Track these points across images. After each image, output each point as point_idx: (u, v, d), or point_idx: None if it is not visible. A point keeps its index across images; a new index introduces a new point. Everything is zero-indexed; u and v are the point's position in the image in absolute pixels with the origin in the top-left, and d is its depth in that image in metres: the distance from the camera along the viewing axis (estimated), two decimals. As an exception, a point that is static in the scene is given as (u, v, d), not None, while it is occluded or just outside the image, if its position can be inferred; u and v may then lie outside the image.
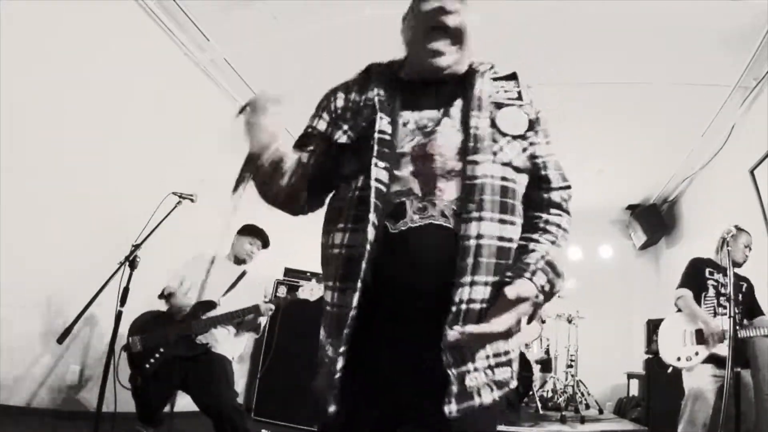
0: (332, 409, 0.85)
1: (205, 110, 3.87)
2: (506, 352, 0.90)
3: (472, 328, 0.81)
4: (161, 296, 2.76)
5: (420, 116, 0.94)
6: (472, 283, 0.83)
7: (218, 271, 2.94)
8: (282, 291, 4.39)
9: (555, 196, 0.99)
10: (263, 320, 2.90)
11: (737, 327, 2.42)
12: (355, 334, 0.85)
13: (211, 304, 2.75)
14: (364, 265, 0.84)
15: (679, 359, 2.68)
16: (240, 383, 4.51)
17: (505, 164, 0.91)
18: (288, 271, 4.42)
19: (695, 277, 2.84)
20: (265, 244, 3.10)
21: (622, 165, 5.00)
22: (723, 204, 4.00)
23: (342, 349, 0.84)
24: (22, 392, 2.49)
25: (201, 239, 3.15)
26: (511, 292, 0.82)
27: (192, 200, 2.70)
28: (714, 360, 2.56)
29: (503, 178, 0.90)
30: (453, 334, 0.81)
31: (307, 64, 3.55)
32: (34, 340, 2.55)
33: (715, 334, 2.55)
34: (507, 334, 0.85)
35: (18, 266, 2.42)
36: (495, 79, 1.03)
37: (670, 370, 2.76)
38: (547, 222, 0.97)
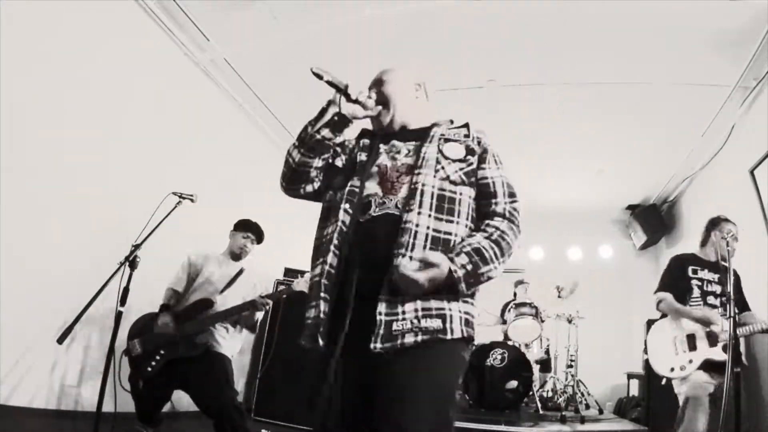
0: (322, 343, 1.16)
1: (205, 110, 3.87)
2: (439, 308, 1.16)
3: (401, 270, 1.11)
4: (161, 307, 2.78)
5: (390, 147, 1.36)
6: (402, 255, 1.15)
7: (216, 268, 2.95)
8: (283, 296, 4.40)
9: (499, 207, 1.29)
10: (260, 316, 2.91)
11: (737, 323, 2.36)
12: (330, 293, 1.19)
13: (208, 303, 2.75)
14: (335, 241, 1.22)
15: (672, 370, 2.55)
16: (240, 383, 4.50)
17: (443, 179, 1.27)
18: (288, 271, 4.42)
19: (677, 278, 2.72)
20: (260, 238, 3.10)
21: (622, 165, 5.00)
22: (723, 204, 3.99)
23: (323, 295, 1.19)
24: (22, 392, 2.49)
25: (201, 239, 3.15)
26: (418, 254, 1.14)
27: (192, 200, 2.70)
28: (707, 365, 2.46)
29: (440, 189, 1.25)
30: (395, 268, 1.12)
31: (307, 64, 3.54)
32: (34, 340, 2.55)
33: (707, 321, 2.48)
34: (418, 287, 1.11)
35: (18, 266, 2.42)
36: (451, 129, 1.42)
37: (663, 381, 2.65)
38: (487, 225, 1.26)
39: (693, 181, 4.83)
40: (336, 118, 1.33)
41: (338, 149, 1.42)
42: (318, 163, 1.36)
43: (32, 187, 2.52)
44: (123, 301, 2.26)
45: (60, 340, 2.01)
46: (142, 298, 2.78)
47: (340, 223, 1.24)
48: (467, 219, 1.27)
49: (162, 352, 2.62)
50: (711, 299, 2.63)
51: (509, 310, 4.73)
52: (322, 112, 1.35)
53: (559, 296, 4.97)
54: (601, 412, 4.82)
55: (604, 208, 6.09)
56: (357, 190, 1.28)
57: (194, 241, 3.13)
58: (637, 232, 5.78)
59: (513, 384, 4.10)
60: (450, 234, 1.22)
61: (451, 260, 1.15)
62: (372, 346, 1.10)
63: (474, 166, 1.32)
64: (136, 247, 2.31)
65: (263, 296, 2.80)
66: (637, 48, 3.29)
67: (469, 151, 1.33)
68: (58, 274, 2.65)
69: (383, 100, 1.41)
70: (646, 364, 4.30)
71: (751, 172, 3.45)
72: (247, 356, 4.60)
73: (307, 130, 1.35)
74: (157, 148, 3.31)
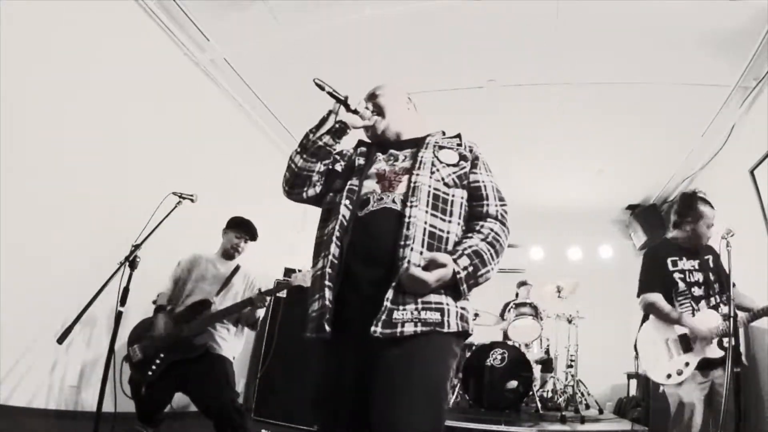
0: (329, 329, 1.20)
1: (205, 110, 3.87)
2: (438, 302, 1.22)
3: (411, 270, 1.18)
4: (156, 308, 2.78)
5: (388, 156, 1.46)
6: (409, 247, 1.22)
7: (210, 268, 2.94)
8: (282, 291, 4.40)
9: (491, 209, 1.39)
10: (261, 313, 2.90)
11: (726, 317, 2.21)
12: (334, 282, 1.24)
13: (205, 304, 2.75)
14: (337, 234, 1.29)
15: (669, 376, 2.35)
16: (240, 383, 4.51)
17: (438, 180, 1.37)
18: (288, 271, 4.41)
19: (658, 274, 2.51)
20: (252, 236, 3.07)
21: (622, 165, 5.00)
22: (723, 204, 4.00)
23: (328, 284, 1.23)
24: (22, 392, 2.49)
25: (201, 239, 3.15)
26: (427, 254, 1.22)
27: (192, 200, 2.70)
28: (702, 364, 2.31)
29: (435, 189, 1.35)
30: (405, 268, 1.19)
31: (307, 64, 3.55)
32: (34, 340, 2.55)
33: (699, 334, 2.31)
34: (425, 286, 1.19)
35: (18, 266, 2.42)
36: (445, 138, 1.54)
37: (661, 390, 2.49)
38: (482, 226, 1.35)
39: (693, 181, 4.83)
40: (337, 125, 1.45)
41: (337, 156, 1.52)
42: (320, 167, 1.45)
43: (32, 187, 2.52)
44: (123, 301, 2.27)
45: (60, 340, 2.01)
46: (142, 298, 2.79)
47: (340, 218, 1.31)
48: (460, 218, 1.36)
49: (162, 355, 2.61)
50: (696, 290, 2.44)
51: (509, 310, 4.73)
52: (323, 120, 1.48)
53: (559, 296, 4.97)
54: (601, 412, 4.82)
55: (604, 208, 6.08)
56: (356, 188, 1.37)
57: (194, 241, 3.12)
58: (637, 232, 5.77)
59: (513, 384, 4.10)
60: (444, 231, 1.30)
61: (454, 261, 1.22)
62: (372, 329, 1.15)
63: (466, 170, 1.42)
64: (136, 247, 2.31)
65: (262, 292, 2.79)
66: (637, 48, 3.29)
67: (462, 157, 1.44)
68: (58, 274, 2.65)
69: (378, 111, 1.53)
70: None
71: (751, 172, 3.45)
72: (247, 356, 4.60)
73: (308, 137, 1.45)
74: (157, 148, 3.31)
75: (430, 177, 1.35)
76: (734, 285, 2.35)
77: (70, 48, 2.69)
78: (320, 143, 1.44)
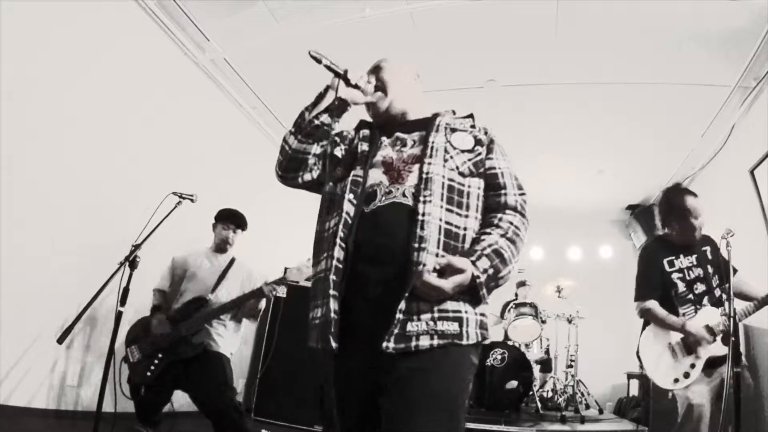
0: (335, 345, 1.09)
1: (205, 110, 3.87)
2: (455, 311, 1.11)
3: (426, 278, 1.06)
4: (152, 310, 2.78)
5: (394, 140, 1.30)
6: (424, 250, 1.09)
7: (204, 263, 2.92)
8: (282, 290, 4.39)
9: (510, 200, 1.25)
10: (263, 304, 2.89)
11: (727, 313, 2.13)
12: (339, 290, 1.12)
13: (201, 301, 2.74)
14: (341, 234, 1.15)
15: (677, 381, 2.29)
16: (240, 383, 4.50)
17: (452, 169, 1.22)
18: (288, 271, 4.41)
19: (653, 278, 2.44)
20: (241, 226, 3.03)
21: (622, 165, 5.00)
22: (723, 204, 4.00)
23: (332, 293, 1.11)
24: (22, 392, 2.49)
25: (201, 239, 3.15)
26: (443, 259, 1.09)
27: (192, 200, 2.70)
28: (707, 364, 2.25)
29: (450, 179, 1.20)
30: (419, 274, 1.06)
31: (307, 64, 3.54)
32: (34, 340, 2.55)
33: (701, 339, 2.24)
34: (442, 294, 1.07)
35: (18, 265, 2.42)
36: (456, 118, 1.38)
37: (670, 396, 2.42)
38: (500, 219, 1.22)
39: (693, 181, 4.83)
40: (335, 102, 1.30)
41: (337, 139, 1.37)
42: (316, 149, 1.32)
43: (32, 186, 2.51)
44: (123, 301, 2.26)
45: (60, 340, 2.01)
46: (142, 298, 2.79)
47: (344, 215, 1.16)
48: (477, 212, 1.22)
49: (160, 355, 2.61)
50: (698, 287, 2.38)
51: (509, 310, 4.73)
52: (320, 97, 1.33)
53: (559, 296, 4.97)
54: (601, 412, 4.82)
55: (604, 208, 6.09)
56: (360, 179, 1.22)
57: (194, 241, 3.13)
58: (637, 232, 5.77)
59: (513, 384, 4.10)
60: (460, 228, 1.17)
61: (473, 264, 1.11)
62: (384, 345, 1.05)
63: (482, 156, 1.27)
64: (136, 247, 2.31)
65: (269, 283, 2.76)
66: (637, 48, 3.29)
67: (477, 141, 1.29)
68: (58, 274, 2.65)
69: (382, 86, 1.37)
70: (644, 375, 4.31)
71: (751, 172, 3.45)
72: (247, 356, 4.60)
73: (304, 116, 1.32)
74: (157, 148, 3.31)
75: (444, 166, 1.20)
76: (736, 271, 2.28)
77: (70, 48, 2.68)
78: (317, 122, 1.30)
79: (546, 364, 5.03)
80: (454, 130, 1.29)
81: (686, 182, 4.92)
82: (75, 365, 2.82)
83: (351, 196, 1.19)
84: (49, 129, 2.59)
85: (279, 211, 4.58)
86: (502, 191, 1.25)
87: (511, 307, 4.70)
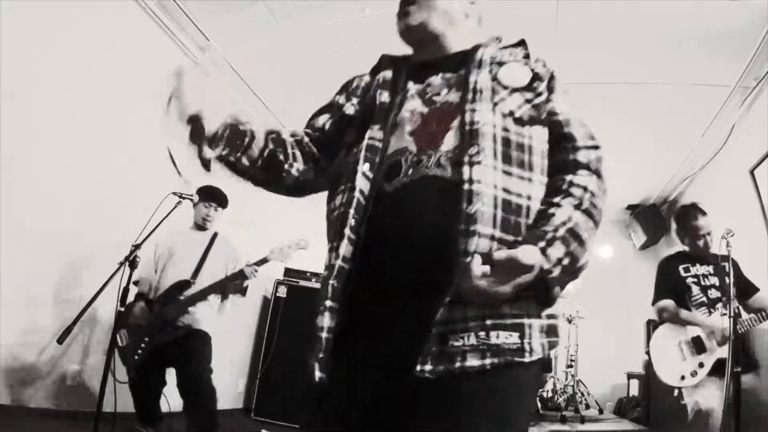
0: (318, 375, 0.83)
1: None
2: (516, 316, 0.79)
3: (476, 283, 0.74)
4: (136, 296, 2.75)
5: (424, 88, 0.96)
6: (474, 234, 0.77)
7: (185, 242, 2.88)
8: (282, 291, 4.40)
9: (581, 155, 0.90)
10: (248, 283, 2.86)
11: (737, 321, 2.17)
12: (350, 292, 0.85)
13: (184, 284, 2.71)
14: (351, 221, 0.84)
15: (683, 378, 2.32)
16: (240, 383, 4.51)
17: (506, 115, 0.87)
18: (288, 271, 4.42)
19: (670, 281, 2.55)
20: (222, 204, 2.97)
21: (622, 165, 4.99)
22: (723, 204, 4.00)
23: (329, 304, 0.83)
24: (22, 392, 2.49)
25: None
26: (502, 254, 0.75)
27: (192, 200, 2.70)
28: (718, 365, 2.24)
29: (505, 129, 0.86)
30: (466, 272, 0.74)
31: (307, 64, 3.55)
32: (34, 340, 2.55)
33: (717, 332, 2.26)
34: (497, 299, 0.77)
35: (18, 265, 2.42)
36: (502, 48, 1.02)
37: (676, 393, 2.44)
38: (570, 183, 0.87)
39: (693, 181, 4.83)
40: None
41: (343, 96, 1.08)
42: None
43: (32, 186, 2.51)
44: (123, 301, 2.27)
45: (60, 340, 2.01)
46: (142, 298, 2.79)
47: (357, 194, 0.86)
48: (543, 174, 0.88)
49: (147, 339, 2.60)
50: (712, 293, 2.45)
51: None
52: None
53: (560, 296, 4.96)
54: (601, 412, 4.82)
55: (604, 208, 6.08)
56: (379, 144, 0.91)
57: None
58: (637, 232, 5.77)
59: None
60: (523, 196, 0.83)
61: (543, 252, 0.78)
62: (418, 368, 0.75)
63: (544, 97, 0.93)
64: (136, 247, 2.31)
65: (250, 264, 2.74)
66: (637, 48, 3.29)
67: (535, 75, 0.94)
68: (57, 273, 2.65)
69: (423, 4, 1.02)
70: (647, 364, 4.31)
71: (751, 172, 3.45)
72: (248, 356, 4.60)
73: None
74: (157, 148, 3.30)
75: (493, 111, 0.87)
76: (758, 290, 2.42)
77: (70, 48, 2.68)
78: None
79: (546, 364, 5.02)
80: (502, 64, 0.95)
81: (686, 182, 4.92)
82: (75, 365, 2.82)
83: (366, 167, 0.88)
84: (49, 129, 2.59)
85: (280, 211, 4.58)
86: (571, 144, 0.91)
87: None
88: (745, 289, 2.47)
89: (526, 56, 0.99)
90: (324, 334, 0.84)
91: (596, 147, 0.93)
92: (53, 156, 2.61)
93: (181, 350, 2.60)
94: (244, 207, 3.16)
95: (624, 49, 3.32)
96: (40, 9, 2.50)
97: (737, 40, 3.06)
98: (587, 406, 4.79)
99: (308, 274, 4.45)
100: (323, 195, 1.03)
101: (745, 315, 2.32)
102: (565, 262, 0.80)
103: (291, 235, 2.85)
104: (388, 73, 1.01)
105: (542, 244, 0.79)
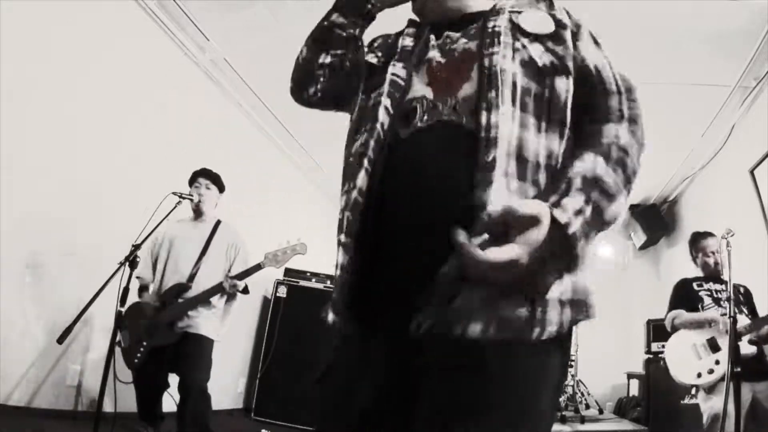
0: (332, 317, 0.80)
1: (205, 110, 3.88)
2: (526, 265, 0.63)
3: (472, 252, 0.60)
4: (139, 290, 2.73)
5: (443, 41, 0.90)
6: (488, 184, 0.69)
7: (185, 235, 2.79)
8: (282, 291, 4.40)
9: (613, 103, 0.83)
10: (242, 285, 2.72)
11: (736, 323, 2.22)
12: (362, 244, 0.77)
13: (181, 288, 2.65)
14: (370, 153, 0.79)
15: (699, 375, 2.35)
16: (240, 383, 4.51)
17: (526, 62, 0.79)
18: (288, 271, 4.42)
19: (684, 295, 2.71)
20: (214, 180, 2.85)
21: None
22: (723, 204, 4.00)
23: (343, 239, 0.78)
24: (22, 392, 2.49)
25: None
26: (496, 209, 0.64)
27: (192, 200, 2.70)
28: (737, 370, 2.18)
29: (526, 77, 0.78)
30: (460, 245, 0.61)
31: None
32: (34, 340, 2.55)
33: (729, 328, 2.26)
34: (510, 268, 0.61)
35: (18, 265, 2.42)
36: (523, 2, 0.94)
37: (693, 391, 2.48)
38: (599, 134, 0.78)
39: (693, 181, 4.83)
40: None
41: (367, 48, 1.03)
42: (324, 58, 0.98)
43: (32, 186, 2.52)
44: (123, 301, 2.27)
45: (60, 340, 2.01)
46: (142, 298, 2.79)
47: (378, 127, 0.81)
48: (566, 127, 0.79)
49: (145, 342, 2.58)
50: (725, 304, 2.54)
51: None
52: None
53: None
54: (601, 412, 4.83)
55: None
56: (402, 82, 0.85)
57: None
58: (637, 232, 5.77)
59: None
60: (543, 149, 0.76)
61: (558, 205, 0.67)
62: (412, 325, 0.67)
63: (570, 45, 0.84)
64: (136, 247, 2.31)
65: (231, 277, 2.62)
66: (637, 48, 3.29)
67: (559, 23, 0.86)
68: (57, 273, 2.65)
69: None
70: (647, 364, 4.32)
71: (751, 172, 3.45)
72: (248, 356, 4.60)
73: (321, 22, 1.04)
74: (157, 148, 3.31)
75: (513, 58, 0.80)
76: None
77: (70, 48, 2.69)
78: (325, 23, 1.00)
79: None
80: (522, 13, 0.88)
81: (686, 182, 4.92)
82: (75, 365, 2.82)
83: (388, 101, 0.83)
84: (49, 129, 2.59)
85: (280, 211, 4.58)
86: (600, 90, 0.83)
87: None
88: (754, 315, 2.53)
89: (550, 6, 0.91)
90: (338, 272, 0.79)
91: (632, 98, 0.85)
92: (53, 155, 2.61)
93: (178, 355, 2.57)
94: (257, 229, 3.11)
95: (624, 49, 3.32)
96: (40, 9, 2.51)
97: (737, 40, 3.06)
98: (587, 406, 4.79)
99: (308, 274, 4.45)
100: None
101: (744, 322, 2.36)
102: (587, 212, 0.68)
103: (289, 237, 2.79)
104: (410, 29, 0.98)
105: (555, 197, 0.68)
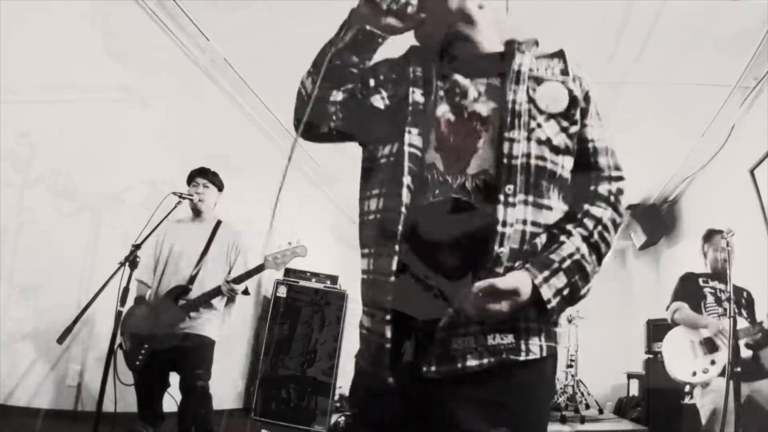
0: (391, 380, 0.84)
1: (205, 110, 3.87)
2: (512, 320, 0.83)
3: (471, 302, 0.78)
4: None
5: (451, 86, 0.91)
6: (500, 273, 0.81)
7: (185, 236, 2.76)
8: (282, 291, 4.40)
9: (602, 187, 0.92)
10: (242, 287, 2.70)
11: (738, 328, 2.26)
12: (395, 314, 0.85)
13: (181, 290, 2.63)
14: (400, 228, 0.83)
15: (694, 374, 2.40)
16: (240, 383, 4.51)
17: (541, 143, 0.85)
18: (288, 271, 4.42)
19: (689, 288, 2.71)
20: (212, 179, 2.82)
21: (623, 165, 4.99)
22: (723, 204, 4.00)
23: (388, 317, 0.84)
24: (22, 392, 2.49)
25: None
26: (483, 284, 0.78)
27: (192, 200, 2.69)
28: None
29: (540, 158, 0.84)
30: (462, 294, 0.79)
31: (307, 64, 3.54)
32: (34, 340, 2.55)
33: (725, 331, 2.33)
34: (495, 316, 0.80)
35: (18, 265, 2.42)
36: (539, 57, 0.96)
37: (687, 390, 2.51)
38: (586, 214, 0.88)
39: (693, 181, 4.83)
40: (360, 36, 0.94)
41: (374, 79, 0.99)
42: (337, 96, 0.96)
43: (32, 186, 2.52)
44: (123, 301, 2.26)
45: (60, 340, 2.01)
46: (142, 298, 2.78)
47: (403, 209, 0.83)
48: (564, 201, 0.89)
49: (146, 345, 2.58)
50: (726, 305, 2.52)
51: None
52: (344, 26, 0.97)
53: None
54: (601, 412, 4.83)
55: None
56: (419, 153, 0.87)
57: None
58: (637, 232, 5.77)
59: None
60: (542, 227, 0.86)
61: (546, 280, 0.82)
62: (424, 369, 0.81)
63: (578, 123, 0.90)
64: (137, 247, 2.30)
65: (229, 281, 2.59)
66: (636, 48, 3.29)
67: (572, 99, 0.90)
68: (57, 273, 2.65)
69: (432, 6, 0.93)
70: (647, 364, 4.32)
71: (751, 172, 3.45)
72: (248, 355, 4.60)
73: (324, 52, 0.99)
74: (157, 148, 3.31)
75: (529, 140, 0.85)
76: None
77: (70, 47, 2.69)
78: (337, 62, 0.96)
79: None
80: (539, 81, 0.90)
81: (686, 182, 4.92)
82: (75, 365, 2.82)
83: (409, 179, 0.85)
84: (49, 128, 2.59)
85: (280, 211, 4.57)
86: (595, 174, 0.92)
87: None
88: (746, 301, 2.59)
89: (564, 71, 0.93)
90: (366, 333, 0.92)
91: (619, 178, 0.94)
92: (53, 156, 2.61)
93: (179, 355, 2.56)
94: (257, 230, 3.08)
95: (624, 49, 3.32)
96: (39, 8, 2.51)
97: (737, 40, 3.06)
98: (587, 406, 4.79)
99: (308, 274, 4.45)
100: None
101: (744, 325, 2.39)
102: (565, 292, 0.84)
103: (290, 238, 2.78)
104: (419, 69, 0.96)
105: (546, 273, 0.82)
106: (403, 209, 0.83)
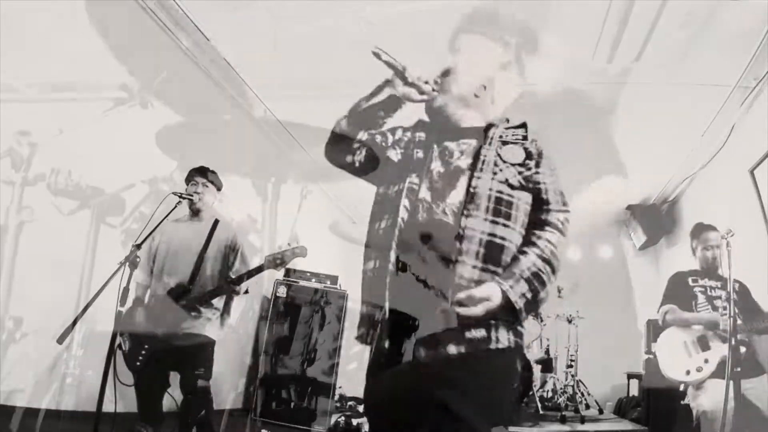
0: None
1: (205, 110, 3.87)
2: (485, 318, 1.13)
3: (453, 308, 1.12)
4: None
5: (442, 150, 1.30)
6: (463, 262, 1.15)
7: (183, 236, 2.76)
8: (282, 291, 4.41)
9: (552, 216, 1.28)
10: (244, 288, 2.72)
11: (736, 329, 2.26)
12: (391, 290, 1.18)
13: (181, 290, 2.64)
14: (393, 244, 1.18)
15: (688, 373, 2.42)
16: (240, 383, 4.51)
17: (501, 182, 1.23)
18: (288, 271, 4.42)
19: (678, 289, 2.71)
20: (212, 180, 2.84)
21: (623, 165, 4.99)
22: (723, 204, 4.00)
23: (386, 306, 1.16)
24: (22, 392, 2.49)
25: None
26: (462, 295, 1.12)
27: (192, 200, 2.69)
28: (724, 366, 2.27)
29: (499, 191, 1.22)
30: (445, 306, 1.12)
31: (307, 64, 3.54)
32: (34, 340, 2.55)
33: (719, 329, 2.37)
34: (473, 317, 1.11)
35: (18, 265, 2.42)
36: (508, 128, 1.36)
37: (682, 389, 2.52)
38: (539, 237, 1.24)
39: (693, 181, 4.83)
40: (388, 99, 1.34)
41: (391, 137, 1.39)
42: (362, 136, 1.35)
43: (32, 186, 2.52)
44: (123, 301, 2.26)
45: (60, 340, 2.01)
46: (142, 298, 2.78)
47: (399, 220, 1.21)
48: (522, 226, 1.24)
49: (146, 346, 2.58)
50: (718, 303, 2.57)
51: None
52: (378, 90, 1.35)
53: (559, 296, 4.97)
54: (601, 412, 4.82)
55: (604, 209, 6.08)
56: (416, 187, 1.25)
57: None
58: (637, 232, 5.77)
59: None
60: (505, 240, 1.20)
61: (512, 287, 1.15)
62: (415, 353, 1.14)
63: (532, 171, 1.27)
64: (137, 247, 2.30)
65: (230, 281, 2.61)
66: (636, 48, 3.29)
67: (528, 155, 1.29)
68: (57, 273, 2.65)
69: (442, 88, 1.36)
70: (647, 364, 4.32)
71: (751, 172, 3.45)
72: (248, 355, 4.60)
73: (360, 104, 1.36)
74: (157, 148, 3.31)
75: (492, 179, 1.23)
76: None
77: (69, 47, 2.69)
78: (367, 111, 1.36)
79: (546, 364, 5.03)
80: (505, 143, 1.30)
81: (686, 182, 4.92)
82: (75, 365, 2.82)
83: (407, 202, 1.23)
84: (49, 127, 2.59)
85: (281, 211, 4.58)
86: (545, 207, 1.28)
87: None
88: (752, 312, 2.53)
89: (524, 137, 1.33)
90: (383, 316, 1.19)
91: (565, 210, 1.31)
92: (53, 156, 2.61)
93: (180, 355, 2.57)
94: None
95: (623, 49, 3.32)
96: (39, 8, 2.51)
97: (737, 40, 3.06)
98: (587, 406, 4.79)
99: (308, 274, 4.45)
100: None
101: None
102: (528, 296, 1.17)
103: (290, 238, 2.79)
104: (422, 135, 1.36)
105: (511, 282, 1.16)
106: (399, 221, 1.20)
